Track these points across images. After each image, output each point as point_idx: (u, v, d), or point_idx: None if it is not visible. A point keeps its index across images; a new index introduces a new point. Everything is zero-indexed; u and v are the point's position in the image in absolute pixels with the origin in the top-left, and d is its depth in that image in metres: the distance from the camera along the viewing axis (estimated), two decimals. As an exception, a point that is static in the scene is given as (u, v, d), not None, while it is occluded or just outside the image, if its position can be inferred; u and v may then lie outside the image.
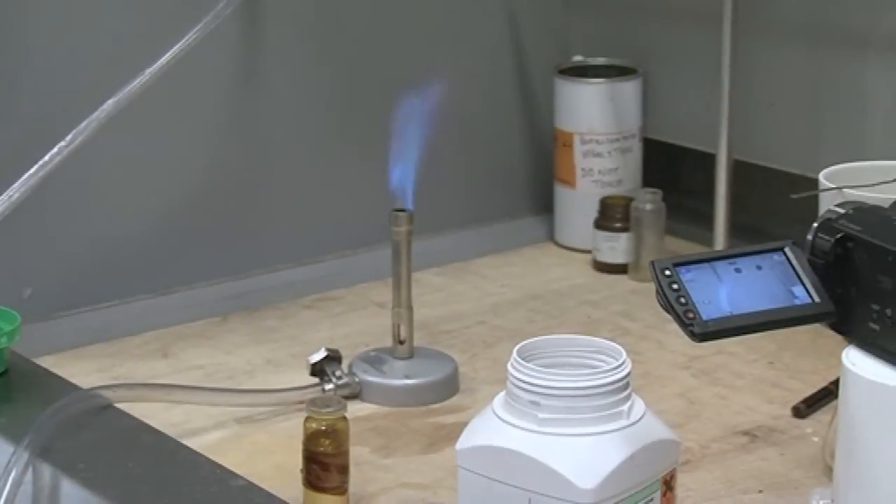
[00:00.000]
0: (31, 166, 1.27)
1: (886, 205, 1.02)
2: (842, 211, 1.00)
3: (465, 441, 0.99)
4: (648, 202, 1.54)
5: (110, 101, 1.31)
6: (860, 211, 1.00)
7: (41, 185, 1.27)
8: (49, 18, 1.36)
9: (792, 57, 1.51)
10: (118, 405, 1.20)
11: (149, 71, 1.33)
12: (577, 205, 1.61)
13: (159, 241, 1.45)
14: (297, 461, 1.11)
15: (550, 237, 1.66)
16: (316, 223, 1.55)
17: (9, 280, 1.36)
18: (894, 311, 0.94)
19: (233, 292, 1.48)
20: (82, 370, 1.33)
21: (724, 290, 0.96)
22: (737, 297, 0.96)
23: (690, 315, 0.94)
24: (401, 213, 1.27)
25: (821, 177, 1.24)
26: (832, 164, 1.27)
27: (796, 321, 0.97)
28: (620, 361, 0.98)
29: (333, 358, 1.28)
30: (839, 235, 0.98)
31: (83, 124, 1.30)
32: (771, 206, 1.51)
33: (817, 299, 0.98)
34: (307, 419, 1.14)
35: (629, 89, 1.61)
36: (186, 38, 1.35)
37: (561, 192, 1.63)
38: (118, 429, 1.15)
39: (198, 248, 1.48)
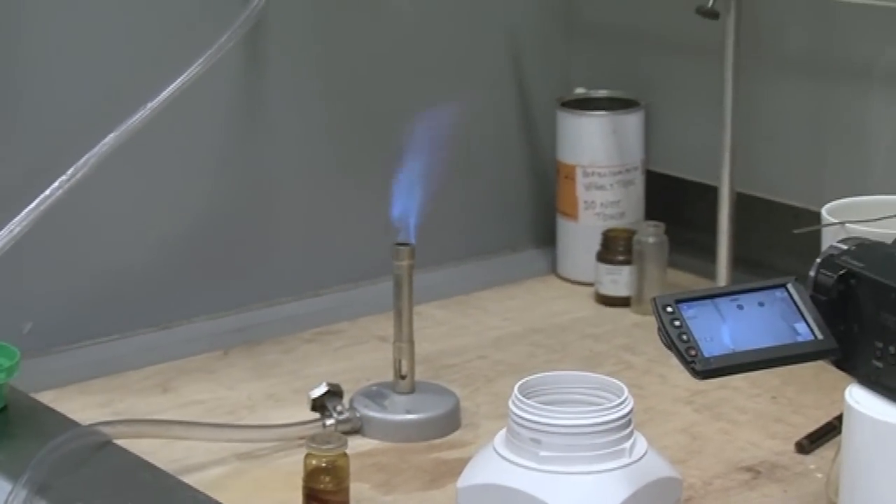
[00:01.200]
0: (33, 200, 1.27)
1: (890, 241, 1.02)
2: (844, 247, 1.00)
3: (466, 479, 0.98)
4: (651, 235, 1.54)
5: (111, 136, 1.31)
6: (863, 247, 0.99)
7: (42, 220, 1.27)
8: (50, 52, 1.36)
9: (795, 89, 1.51)
10: (118, 441, 1.19)
11: (150, 105, 1.33)
12: (580, 237, 1.61)
13: (160, 275, 1.44)
14: (298, 498, 1.11)
15: (552, 270, 1.65)
16: (317, 256, 1.54)
17: (9, 315, 1.36)
18: (898, 349, 0.93)
19: (234, 326, 1.48)
20: (82, 405, 1.32)
21: (727, 326, 0.96)
22: (739, 334, 0.96)
23: (692, 352, 0.94)
24: (402, 247, 1.27)
25: (823, 211, 1.24)
26: (835, 198, 1.27)
27: (799, 358, 0.97)
28: (622, 399, 0.98)
29: (334, 393, 1.27)
30: (842, 272, 0.97)
31: (84, 158, 1.30)
32: (774, 240, 1.51)
33: (820, 336, 0.97)
34: (307, 455, 1.14)
35: (631, 122, 1.61)
36: (188, 71, 1.35)
37: (563, 224, 1.63)
38: (117, 466, 1.14)
39: (199, 281, 1.47)
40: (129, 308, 1.43)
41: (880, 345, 0.95)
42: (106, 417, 1.26)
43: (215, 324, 1.47)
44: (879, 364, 0.95)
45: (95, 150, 1.30)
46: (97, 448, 1.16)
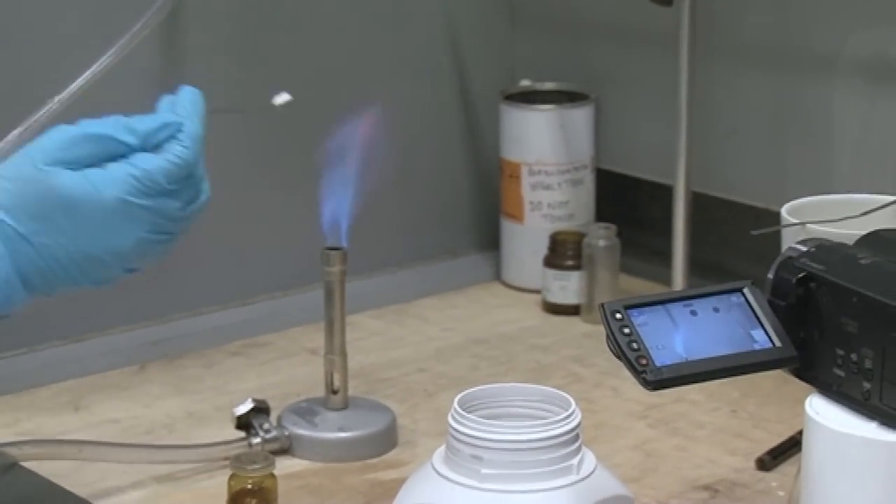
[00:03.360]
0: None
1: (852, 242, 1.05)
2: (804, 248, 1.02)
3: (403, 499, 1.00)
4: (602, 238, 1.56)
5: (15, 132, 1.31)
6: (823, 249, 1.02)
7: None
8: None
9: (754, 82, 1.54)
10: (25, 464, 1.20)
11: (58, 98, 1.33)
12: (526, 241, 1.63)
13: (70, 284, 1.45)
14: (221, 523, 1.12)
15: (497, 276, 1.67)
16: (242, 262, 1.55)
17: None
18: (860, 357, 0.96)
19: (151, 338, 1.48)
20: (-15, 425, 1.33)
21: (679, 334, 0.98)
22: (692, 342, 0.98)
23: (643, 362, 0.96)
24: (333, 252, 1.28)
25: (783, 211, 1.27)
26: (796, 198, 1.30)
27: (756, 367, 1.00)
28: (569, 412, 1.00)
29: (261, 409, 1.29)
30: (801, 275, 1.00)
31: (-15, 157, 1.30)
32: (732, 242, 1.54)
33: (778, 343, 1.00)
34: (232, 477, 1.15)
35: (580, 116, 1.63)
36: (99, 62, 1.36)
37: (508, 227, 1.65)
38: (25, 490, 1.15)
39: (113, 290, 1.47)
40: (36, 319, 1.43)
41: (841, 352, 0.97)
42: (11, 438, 1.26)
43: (131, 336, 1.48)
44: (841, 372, 0.97)
45: (-2, 147, 1.31)
46: (2, 471, 1.16)
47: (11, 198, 0.98)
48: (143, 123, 1.01)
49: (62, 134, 1.00)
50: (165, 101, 1.04)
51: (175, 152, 1.01)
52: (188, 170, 1.01)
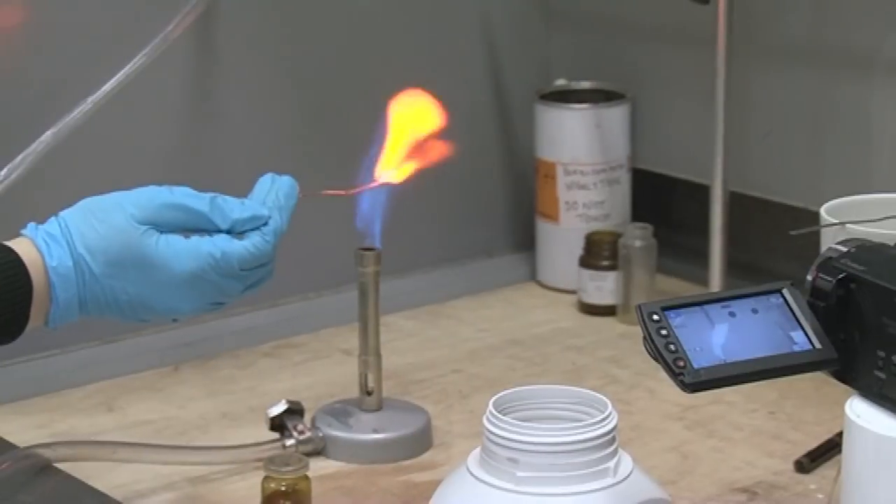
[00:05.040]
0: (-37, 204, 1.28)
1: (892, 242, 1.04)
2: (844, 249, 1.01)
3: (438, 502, 1.00)
4: (638, 238, 1.55)
5: (49, 132, 1.32)
6: (864, 249, 1.01)
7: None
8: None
9: (792, 80, 1.53)
10: (58, 465, 1.20)
11: (91, 99, 1.34)
12: (561, 241, 1.62)
13: (104, 284, 1.45)
14: (255, 525, 1.12)
15: (532, 277, 1.67)
16: (275, 263, 1.55)
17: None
18: (901, 358, 0.95)
19: (185, 339, 1.48)
20: (19, 427, 1.33)
21: (718, 335, 0.97)
22: (731, 344, 0.97)
23: (681, 363, 0.96)
24: (368, 252, 1.28)
25: (822, 211, 1.26)
26: (835, 197, 1.29)
27: (795, 369, 0.99)
28: (606, 414, 0.99)
29: (295, 411, 1.28)
30: (841, 276, 0.99)
31: (19, 158, 1.30)
32: (770, 242, 1.53)
33: (818, 345, 0.99)
34: (266, 479, 1.15)
35: (616, 115, 1.62)
36: (132, 62, 1.36)
37: (543, 227, 1.65)
38: (58, 491, 1.15)
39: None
40: (70, 320, 1.44)
41: (883, 354, 0.96)
42: (45, 439, 1.27)
43: (164, 337, 1.48)
44: (882, 375, 0.97)
45: (32, 148, 1.31)
46: (36, 472, 1.17)
47: (99, 240, 1.04)
48: (235, 212, 1.07)
49: (160, 197, 1.05)
50: (263, 184, 1.10)
51: (255, 243, 1.07)
52: (262, 260, 1.07)
